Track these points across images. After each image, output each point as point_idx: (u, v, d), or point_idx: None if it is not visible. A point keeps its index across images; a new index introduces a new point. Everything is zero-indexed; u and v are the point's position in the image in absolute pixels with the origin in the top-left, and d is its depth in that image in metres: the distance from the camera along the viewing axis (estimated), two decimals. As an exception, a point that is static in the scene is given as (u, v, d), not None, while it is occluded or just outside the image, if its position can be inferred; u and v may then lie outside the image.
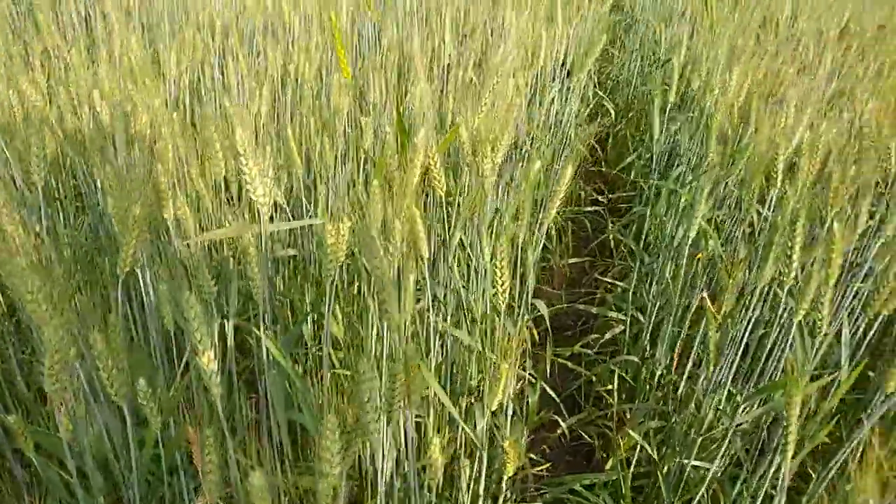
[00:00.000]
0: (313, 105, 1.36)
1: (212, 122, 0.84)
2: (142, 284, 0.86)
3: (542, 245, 1.30)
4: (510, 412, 1.04)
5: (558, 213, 2.00)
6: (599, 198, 2.07)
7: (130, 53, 1.45)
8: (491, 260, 0.75)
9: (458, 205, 1.03)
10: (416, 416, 1.05)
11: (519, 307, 1.06)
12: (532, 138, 1.54)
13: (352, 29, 1.83)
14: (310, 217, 1.14)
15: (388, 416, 0.65)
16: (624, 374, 1.43)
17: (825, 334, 0.85)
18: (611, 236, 1.80)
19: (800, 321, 0.80)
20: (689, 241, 1.04)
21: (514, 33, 1.63)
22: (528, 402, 1.14)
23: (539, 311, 1.31)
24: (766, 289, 1.00)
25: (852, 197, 0.90)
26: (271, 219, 1.25)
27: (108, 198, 0.68)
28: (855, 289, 0.95)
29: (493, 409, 0.83)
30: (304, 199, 1.13)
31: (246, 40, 1.87)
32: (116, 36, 1.51)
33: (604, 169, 2.26)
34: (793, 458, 0.79)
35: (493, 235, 1.02)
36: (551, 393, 1.33)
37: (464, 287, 1.06)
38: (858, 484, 0.47)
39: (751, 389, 0.91)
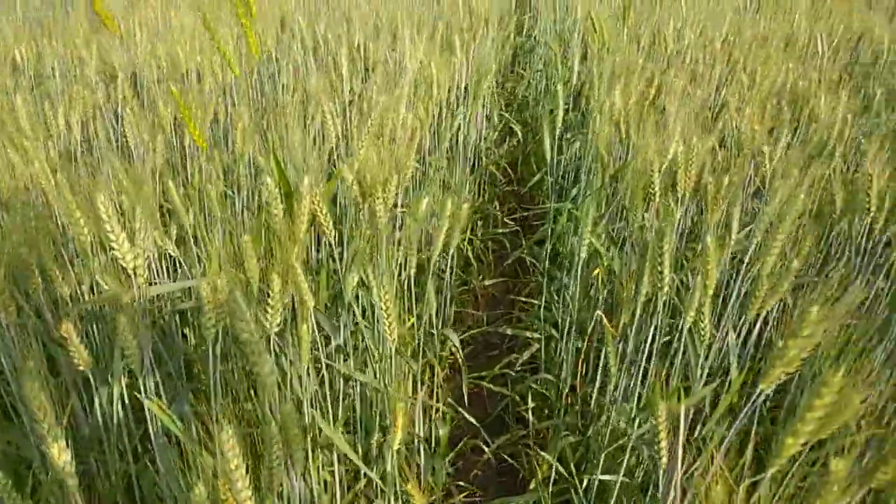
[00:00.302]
0: (211, 152, 1.34)
1: (76, 185, 0.81)
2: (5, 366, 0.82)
3: (452, 271, 1.30)
4: (421, 448, 1.04)
5: (475, 235, 2.03)
6: (506, 220, 2.11)
7: (12, 112, 1.40)
8: (379, 300, 0.75)
9: (353, 246, 1.02)
10: (328, 467, 1.03)
11: (416, 341, 1.06)
12: (437, 167, 1.55)
13: (250, 70, 1.81)
14: (202, 270, 1.11)
15: (270, 480, 0.63)
16: (544, 392, 1.45)
17: (711, 337, 0.88)
18: (526, 254, 1.83)
19: (690, 328, 0.83)
20: (584, 259, 1.06)
21: (412, 65, 1.65)
22: (440, 434, 1.13)
23: (459, 338, 1.32)
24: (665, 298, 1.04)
25: (728, 204, 0.94)
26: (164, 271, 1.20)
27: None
28: (736, 291, 1.00)
29: (396, 448, 0.82)
30: (195, 252, 1.10)
31: (141, 90, 1.83)
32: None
33: (517, 188, 2.30)
34: (692, 461, 0.81)
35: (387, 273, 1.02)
36: (471, 419, 1.33)
37: (367, 327, 1.05)
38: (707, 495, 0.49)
39: (642, 403, 0.93)
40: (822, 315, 0.47)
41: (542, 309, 1.50)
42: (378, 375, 1.02)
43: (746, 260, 0.96)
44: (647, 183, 0.99)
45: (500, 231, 2.01)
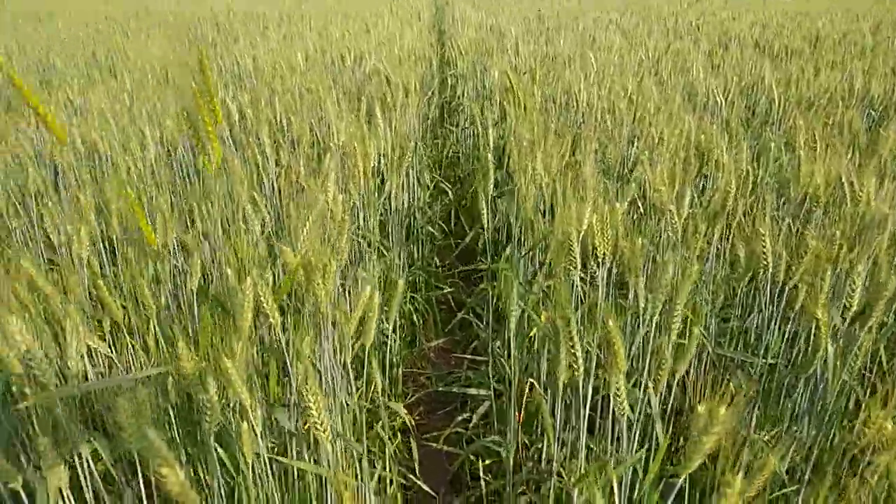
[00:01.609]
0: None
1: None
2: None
3: (397, 335, 1.32)
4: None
5: (418, 293, 2.06)
6: (448, 276, 2.15)
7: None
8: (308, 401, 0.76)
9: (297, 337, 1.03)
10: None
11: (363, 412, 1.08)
12: (370, 240, 1.59)
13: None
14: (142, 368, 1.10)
15: None
16: (498, 449, 1.47)
17: (630, 406, 0.91)
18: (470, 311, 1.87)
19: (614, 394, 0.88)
20: (516, 321, 1.10)
21: (339, 139, 1.70)
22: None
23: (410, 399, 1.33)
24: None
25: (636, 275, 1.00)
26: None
27: None
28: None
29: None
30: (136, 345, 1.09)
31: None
32: None
33: (455, 243, 2.36)
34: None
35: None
36: (426, 487, 1.34)
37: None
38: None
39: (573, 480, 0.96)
40: (728, 414, 0.52)
41: (489, 366, 1.53)
42: (327, 460, 1.02)
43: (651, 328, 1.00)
44: (568, 251, 1.05)
45: (443, 290, 2.05)
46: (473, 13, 4.65)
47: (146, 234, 0.81)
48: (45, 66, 3.37)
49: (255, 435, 0.83)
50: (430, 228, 2.17)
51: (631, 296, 1.07)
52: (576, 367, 0.78)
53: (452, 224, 2.44)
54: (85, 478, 0.73)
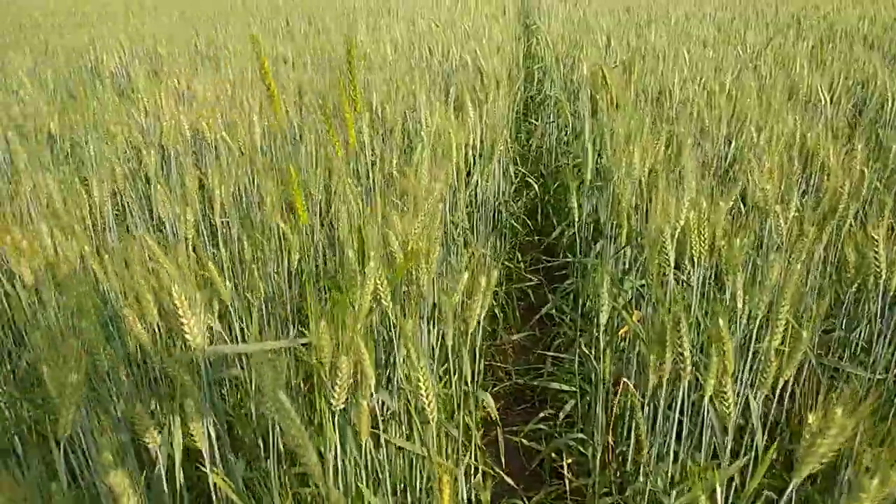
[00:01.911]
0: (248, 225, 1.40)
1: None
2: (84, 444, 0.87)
3: (479, 326, 1.34)
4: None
5: (499, 287, 2.07)
6: (529, 270, 2.14)
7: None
8: (412, 376, 0.79)
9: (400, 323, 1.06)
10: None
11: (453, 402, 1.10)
12: (460, 227, 1.61)
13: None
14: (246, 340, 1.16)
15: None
16: (580, 448, 1.46)
17: (730, 414, 0.89)
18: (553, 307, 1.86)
19: (711, 397, 0.86)
20: (606, 320, 1.09)
21: (428, 128, 1.73)
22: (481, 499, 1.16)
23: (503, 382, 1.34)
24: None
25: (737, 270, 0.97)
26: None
27: (43, 366, 0.70)
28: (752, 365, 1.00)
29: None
30: (236, 323, 1.15)
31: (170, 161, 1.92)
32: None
33: (537, 238, 2.35)
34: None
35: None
36: (510, 481, 1.36)
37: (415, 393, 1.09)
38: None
39: (676, 481, 0.95)
40: (847, 414, 0.51)
41: (575, 364, 1.52)
42: (423, 441, 1.05)
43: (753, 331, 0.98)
44: (660, 247, 1.03)
45: (525, 284, 2.06)
46: (560, 6, 4.60)
47: (300, 215, 0.86)
48: (152, 55, 3.58)
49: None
50: (513, 222, 2.18)
51: (727, 297, 1.05)
52: (682, 366, 0.77)
53: (538, 219, 2.43)
54: (204, 444, 0.78)
